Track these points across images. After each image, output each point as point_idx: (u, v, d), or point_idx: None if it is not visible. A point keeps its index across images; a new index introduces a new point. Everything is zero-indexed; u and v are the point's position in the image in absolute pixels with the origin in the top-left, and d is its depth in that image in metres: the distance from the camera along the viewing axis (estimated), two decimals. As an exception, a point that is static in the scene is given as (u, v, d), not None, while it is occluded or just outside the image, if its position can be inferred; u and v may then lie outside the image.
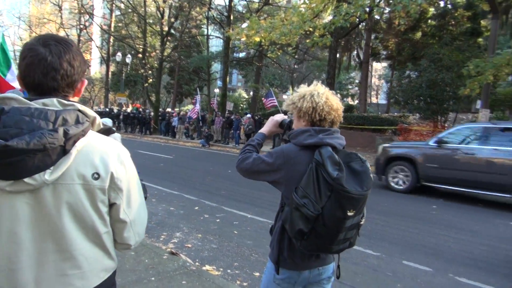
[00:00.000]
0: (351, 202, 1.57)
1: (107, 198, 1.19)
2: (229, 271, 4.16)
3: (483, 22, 22.53)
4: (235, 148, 19.32)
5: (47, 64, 1.12)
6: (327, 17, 17.23)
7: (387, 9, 21.31)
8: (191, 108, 25.62)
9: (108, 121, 5.07)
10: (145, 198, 1.37)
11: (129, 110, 31.79)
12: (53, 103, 1.12)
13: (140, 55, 31.21)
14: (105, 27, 35.83)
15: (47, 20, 37.58)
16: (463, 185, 8.44)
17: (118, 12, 36.46)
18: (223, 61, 27.40)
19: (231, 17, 25.09)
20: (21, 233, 1.09)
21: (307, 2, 13.04)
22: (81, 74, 1.22)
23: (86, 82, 1.28)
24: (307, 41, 15.44)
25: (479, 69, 11.74)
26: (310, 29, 13.17)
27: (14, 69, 4.10)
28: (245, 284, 3.83)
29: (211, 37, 35.04)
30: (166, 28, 29.10)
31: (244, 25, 19.60)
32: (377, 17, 25.13)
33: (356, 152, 1.77)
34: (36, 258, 1.11)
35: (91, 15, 33.65)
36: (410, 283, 4.09)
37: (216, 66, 46.03)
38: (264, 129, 2.05)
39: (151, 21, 32.42)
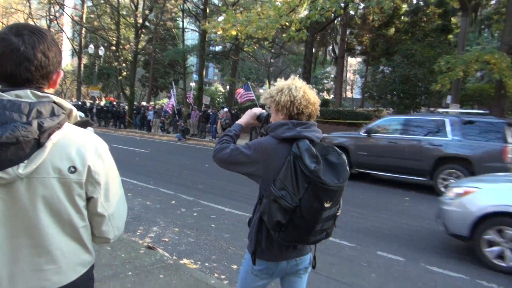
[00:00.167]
0: (328, 193, 1.60)
1: (85, 192, 1.16)
2: (207, 264, 4.16)
3: (453, 19, 23.23)
4: (212, 142, 19.24)
5: (20, 54, 1.09)
6: (303, 12, 17.32)
7: (362, 5, 21.60)
8: (167, 102, 25.29)
9: (81, 114, 4.95)
10: None
11: (102, 103, 31.06)
12: (27, 94, 1.09)
13: (113, 48, 30.49)
14: (76, 18, 34.66)
15: (15, 10, 36.05)
16: (387, 170, 9.45)
17: (90, 3, 35.41)
18: (199, 54, 27.16)
19: (207, 10, 24.87)
20: None
21: (284, -4, 13.08)
22: (56, 65, 1.18)
23: (62, 73, 1.25)
24: (284, 35, 15.52)
25: (449, 65, 12.14)
26: (287, 23, 13.24)
27: None
28: (223, 276, 3.85)
29: (186, 30, 34.62)
30: (140, 20, 28.46)
31: (220, 18, 19.42)
32: (352, 12, 25.47)
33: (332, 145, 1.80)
34: (10, 254, 1.08)
35: (61, 5, 32.59)
36: (384, 272, 4.22)
37: (192, 60, 45.51)
38: (242, 120, 2.05)
39: (124, 12, 31.70)
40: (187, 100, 25.37)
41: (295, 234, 1.67)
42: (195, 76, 41.83)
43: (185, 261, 4.15)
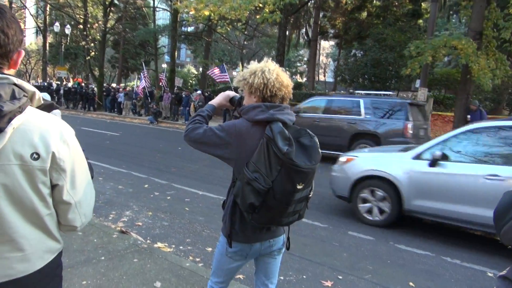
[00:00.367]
0: (300, 175, 1.63)
1: (49, 179, 1.12)
2: (181, 247, 4.17)
3: (423, 5, 23.59)
4: (185, 125, 18.98)
5: None
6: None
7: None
8: (138, 84, 24.66)
9: (47, 96, 4.76)
10: (91, 177, 1.32)
11: (70, 84, 29.96)
12: None
13: (80, 26, 29.24)
14: (40, -6, 32.99)
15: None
16: None
17: (54, -22, 33.64)
18: (170, 35, 26.46)
19: (179, -11, 24.14)
20: None
21: (257, -24, 12.86)
22: (16, 44, 1.11)
23: (23, 53, 1.18)
24: (257, 17, 15.34)
25: (419, 50, 12.38)
26: (260, 4, 13.09)
27: None
28: (197, 259, 3.87)
29: (157, 9, 33.62)
30: (109, -2, 27.38)
31: (193, -2, 18.97)
32: (325, -5, 25.42)
33: (305, 128, 1.82)
34: None
35: (23, -20, 30.80)
36: (355, 251, 4.36)
37: (164, 40, 44.41)
38: (215, 101, 2.02)
39: (91, -11, 30.33)
40: (160, 83, 24.80)
41: (268, 216, 1.69)
42: (166, 58, 40.95)
43: (159, 244, 4.14)
